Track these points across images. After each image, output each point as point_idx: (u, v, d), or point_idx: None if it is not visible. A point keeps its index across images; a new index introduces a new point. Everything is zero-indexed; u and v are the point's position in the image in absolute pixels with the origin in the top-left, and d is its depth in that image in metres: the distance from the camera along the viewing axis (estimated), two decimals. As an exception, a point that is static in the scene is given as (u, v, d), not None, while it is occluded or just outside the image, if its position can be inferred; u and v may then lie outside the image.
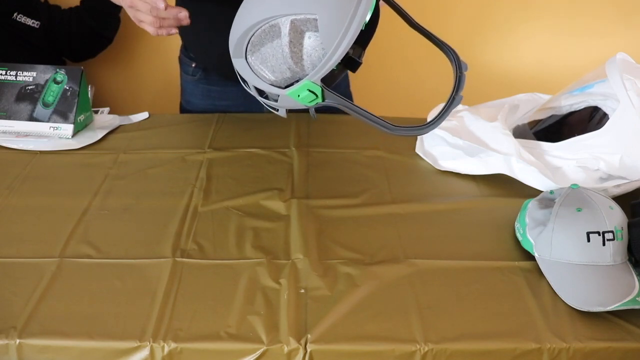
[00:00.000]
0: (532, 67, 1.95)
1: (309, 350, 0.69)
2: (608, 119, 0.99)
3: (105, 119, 1.21)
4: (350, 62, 0.74)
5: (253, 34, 0.77)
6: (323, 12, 0.72)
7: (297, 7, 0.73)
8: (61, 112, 1.13)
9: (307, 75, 0.75)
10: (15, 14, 1.55)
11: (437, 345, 0.69)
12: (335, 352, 0.70)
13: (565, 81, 1.14)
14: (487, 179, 1.03)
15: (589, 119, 1.06)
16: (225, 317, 0.73)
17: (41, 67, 1.15)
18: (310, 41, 0.73)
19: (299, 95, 0.76)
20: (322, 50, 0.73)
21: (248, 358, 0.69)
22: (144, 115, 1.24)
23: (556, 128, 1.10)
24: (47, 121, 1.13)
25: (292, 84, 0.77)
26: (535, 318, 0.74)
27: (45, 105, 1.13)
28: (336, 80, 0.77)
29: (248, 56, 0.79)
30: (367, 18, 0.73)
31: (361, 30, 0.72)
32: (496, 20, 1.89)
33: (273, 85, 0.79)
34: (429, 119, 1.18)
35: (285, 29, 0.74)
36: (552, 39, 1.91)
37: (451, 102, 0.76)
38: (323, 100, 0.76)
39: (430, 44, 0.84)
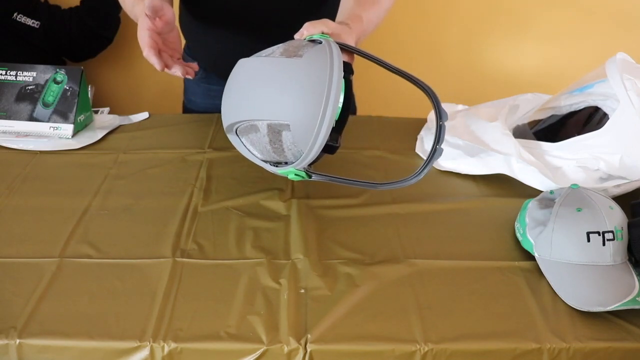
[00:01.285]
0: (532, 67, 1.95)
1: (309, 350, 0.69)
2: (608, 119, 0.99)
3: (105, 119, 1.21)
4: (327, 147, 0.79)
5: (238, 126, 0.82)
6: (294, 118, 0.76)
7: (270, 114, 0.77)
8: (61, 112, 1.13)
9: (292, 163, 0.80)
10: (15, 14, 1.56)
11: (437, 345, 0.69)
12: (335, 352, 0.70)
13: (566, 81, 1.14)
14: (487, 179, 1.03)
15: (588, 119, 1.06)
16: (225, 317, 0.73)
17: (41, 67, 1.15)
18: (288, 138, 0.78)
19: (288, 175, 0.82)
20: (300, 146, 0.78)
21: (248, 358, 0.69)
22: (144, 115, 1.24)
23: (556, 128, 1.10)
24: (47, 121, 1.13)
25: (281, 163, 0.82)
26: (535, 318, 0.74)
27: (45, 105, 1.13)
28: (319, 160, 0.82)
29: (239, 136, 0.84)
30: (338, 113, 0.78)
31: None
32: (497, 21, 1.89)
33: (264, 162, 0.83)
34: (429, 119, 1.19)
35: (264, 130, 0.79)
36: (553, 39, 1.91)
37: (432, 154, 0.79)
38: (310, 177, 0.81)
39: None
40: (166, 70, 0.93)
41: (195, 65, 0.98)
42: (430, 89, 0.82)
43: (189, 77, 0.96)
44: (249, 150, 0.84)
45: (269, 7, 1.13)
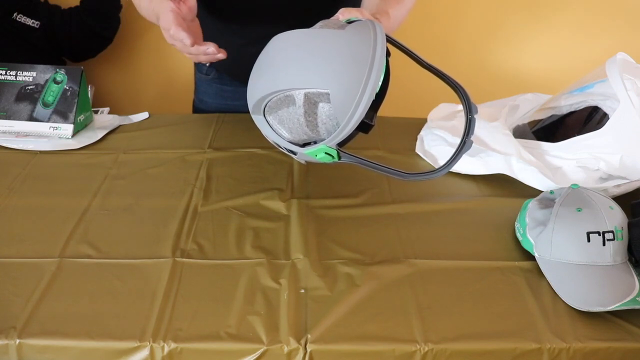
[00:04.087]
0: (533, 67, 1.95)
1: (309, 350, 0.69)
2: (608, 119, 0.99)
3: (105, 119, 1.21)
4: (362, 124, 0.76)
5: (269, 100, 0.78)
6: (335, 87, 0.73)
7: (309, 82, 0.75)
8: (61, 112, 1.13)
9: (324, 140, 0.77)
10: (15, 14, 1.56)
11: (437, 345, 0.69)
12: (335, 352, 0.70)
13: (566, 81, 1.14)
14: (487, 179, 1.03)
15: (588, 119, 1.06)
16: (225, 317, 0.73)
17: (41, 67, 1.15)
18: (324, 110, 0.75)
19: (316, 155, 0.79)
20: (336, 119, 0.75)
21: (248, 358, 0.69)
22: (144, 115, 1.24)
23: (556, 128, 1.10)
24: (47, 121, 1.13)
25: (309, 143, 0.79)
26: (535, 318, 0.74)
27: (45, 105, 1.13)
28: (351, 139, 0.79)
29: (266, 115, 0.81)
30: (378, 87, 0.75)
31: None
32: (500, 23, 1.89)
33: (291, 143, 0.80)
34: (429, 119, 1.19)
35: (300, 101, 0.76)
36: (553, 39, 1.91)
37: (462, 146, 0.77)
38: (339, 159, 0.78)
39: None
40: (195, 48, 0.87)
41: (223, 51, 0.93)
42: (459, 83, 0.80)
43: (221, 55, 0.90)
44: (275, 132, 0.81)
45: (283, 6, 1.12)
